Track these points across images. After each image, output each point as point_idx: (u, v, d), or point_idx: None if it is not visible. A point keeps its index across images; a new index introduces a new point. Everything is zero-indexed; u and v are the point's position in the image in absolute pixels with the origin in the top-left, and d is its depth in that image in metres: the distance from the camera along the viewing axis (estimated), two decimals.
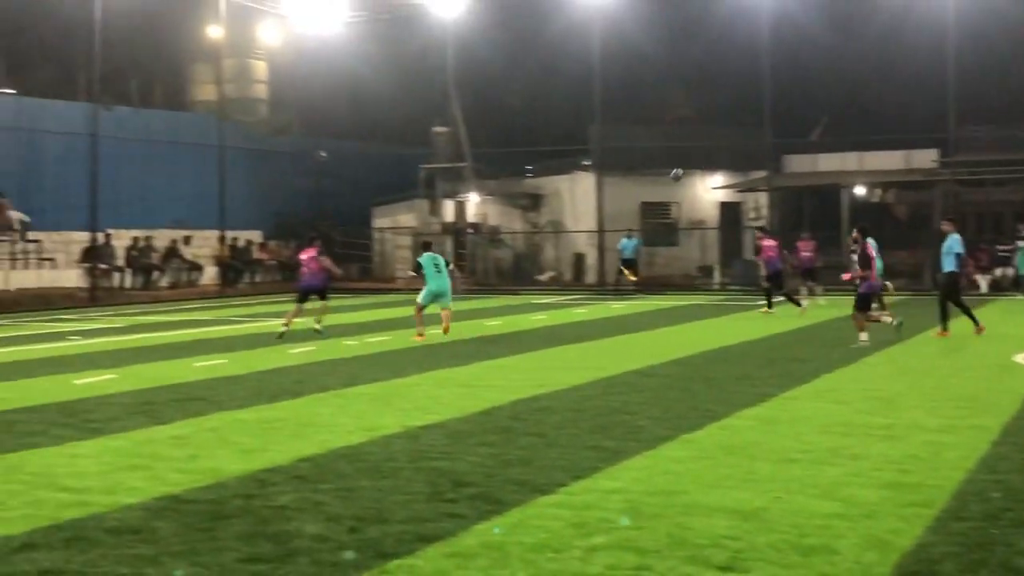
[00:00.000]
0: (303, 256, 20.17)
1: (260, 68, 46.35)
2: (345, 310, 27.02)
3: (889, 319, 17.32)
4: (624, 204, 38.66)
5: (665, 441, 9.19)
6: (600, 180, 37.30)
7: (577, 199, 40.25)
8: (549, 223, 41.22)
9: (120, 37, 35.30)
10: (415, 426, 10.04)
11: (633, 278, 33.50)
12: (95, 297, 31.23)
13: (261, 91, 46.56)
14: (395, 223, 44.03)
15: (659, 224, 40.20)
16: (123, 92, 41.48)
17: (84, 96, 37.39)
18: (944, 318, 17.99)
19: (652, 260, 38.27)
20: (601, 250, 37.11)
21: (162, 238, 36.50)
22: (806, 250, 26.76)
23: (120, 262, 34.24)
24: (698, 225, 39.68)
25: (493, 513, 6.85)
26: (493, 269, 40.00)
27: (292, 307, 20.11)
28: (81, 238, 33.61)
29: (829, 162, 38.76)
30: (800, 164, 39.32)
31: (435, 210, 42.79)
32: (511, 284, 38.05)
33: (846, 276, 17.86)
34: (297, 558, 6.01)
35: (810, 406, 11.01)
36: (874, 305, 19.04)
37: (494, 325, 22.03)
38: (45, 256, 33.22)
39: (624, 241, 34.30)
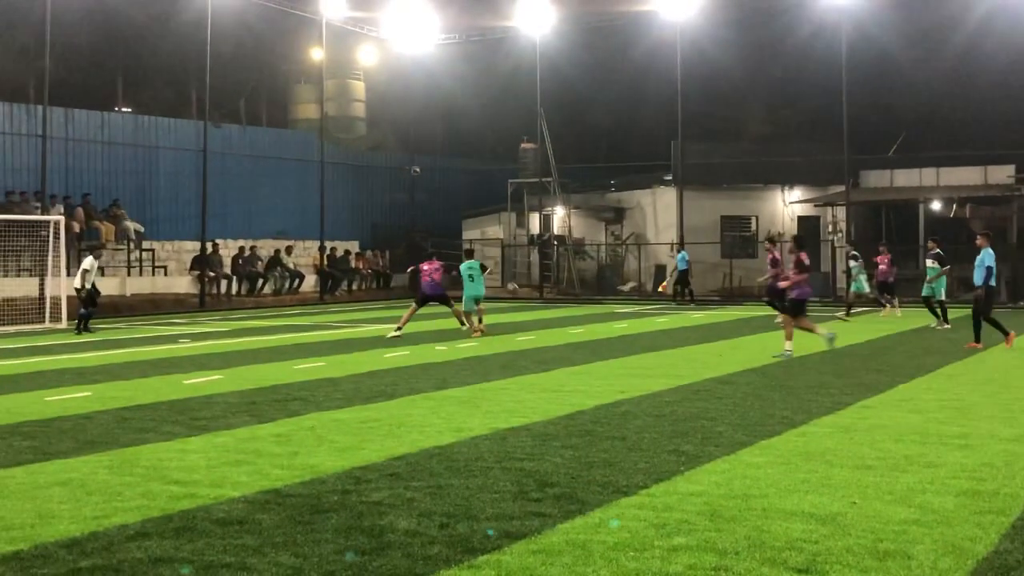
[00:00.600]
0: (424, 267, 22.26)
1: (358, 88, 48.18)
2: (435, 317, 28.44)
3: (824, 332, 17.30)
4: (704, 217, 39.72)
5: (743, 447, 9.27)
6: (681, 194, 38.39)
7: (659, 212, 41.34)
8: (632, 235, 42.32)
9: (229, 59, 37.32)
10: (502, 428, 10.26)
11: (661, 288, 34.36)
12: (203, 303, 32.87)
13: (359, 110, 48.37)
14: (483, 234, 45.64)
15: (738, 237, 41.12)
16: (232, 111, 43.51)
17: (195, 114, 39.53)
18: (977, 330, 18.44)
19: (731, 271, 39.26)
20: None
21: (266, 247, 38.28)
22: (882, 263, 27.18)
23: (227, 270, 35.87)
24: (777, 238, 40.39)
25: (576, 513, 6.97)
26: (577, 279, 41.28)
27: (406, 312, 22.36)
28: (191, 247, 35.67)
29: (906, 177, 39.24)
30: (878, 179, 39.87)
31: (522, 222, 44.32)
32: (594, 294, 39.30)
33: (782, 283, 18.37)
34: (390, 551, 6.16)
35: (886, 415, 11.04)
36: (885, 309, 19.92)
37: (577, 333, 22.70)
38: (158, 264, 35.09)
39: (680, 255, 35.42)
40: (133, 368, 16.10)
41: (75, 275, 24.39)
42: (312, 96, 45.26)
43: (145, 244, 34.83)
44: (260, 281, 36.82)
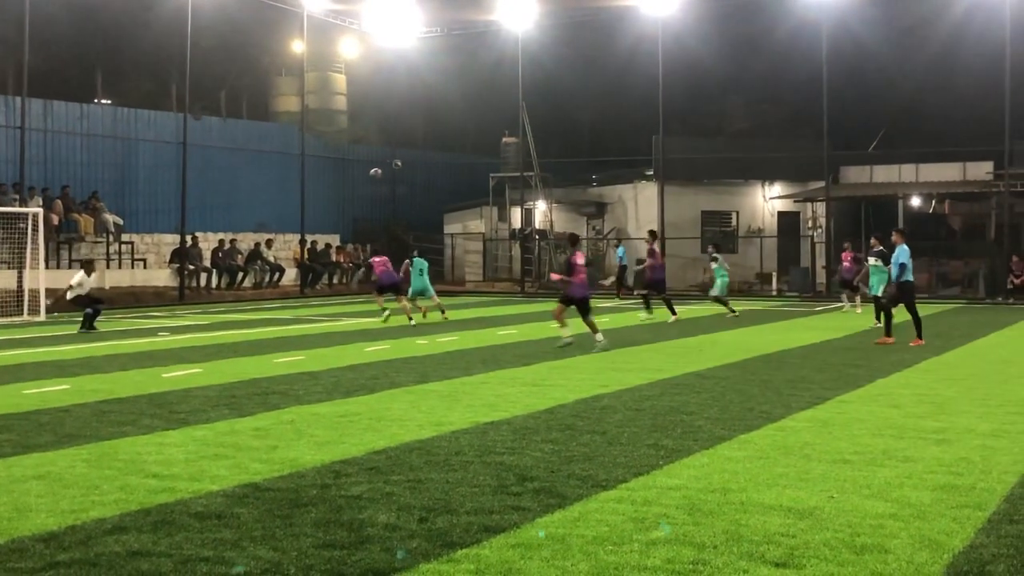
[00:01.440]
0: (376, 260, 24.85)
1: (340, 81, 48.13)
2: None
3: (565, 333, 17.51)
4: (685, 212, 39.88)
5: (722, 441, 9.33)
6: (662, 189, 38.49)
7: (640, 207, 41.48)
8: (613, 230, 42.45)
9: (210, 52, 37.20)
10: (483, 422, 10.30)
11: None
12: (183, 296, 32.81)
13: (341, 103, 48.33)
14: (465, 228, 45.67)
15: (719, 232, 41.29)
16: (212, 103, 43.42)
17: (175, 107, 39.40)
18: (888, 324, 18.73)
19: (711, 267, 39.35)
20: (663, 257, 38.21)
21: (246, 241, 38.22)
22: (846, 260, 27.66)
23: (207, 263, 35.78)
24: (757, 234, 40.68)
25: (556, 507, 7.01)
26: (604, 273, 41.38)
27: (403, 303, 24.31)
28: (171, 240, 35.56)
29: (886, 173, 39.51)
30: (858, 175, 40.12)
31: (504, 216, 44.37)
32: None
33: (554, 276, 19.03)
34: (369, 545, 6.19)
35: (864, 409, 11.13)
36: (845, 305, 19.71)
37: (559, 327, 23.09)
38: (137, 256, 34.93)
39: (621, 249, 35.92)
40: (112, 361, 16.08)
41: (53, 268, 24.28)
42: (293, 89, 45.17)
43: (124, 237, 34.68)
44: (240, 274, 36.76)
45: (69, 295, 22.73)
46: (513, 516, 6.82)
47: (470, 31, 42.32)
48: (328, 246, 40.85)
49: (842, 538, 6.34)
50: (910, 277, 18.48)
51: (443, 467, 8.32)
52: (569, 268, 17.58)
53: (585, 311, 17.71)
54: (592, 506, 7.10)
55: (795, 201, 40.41)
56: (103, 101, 40.54)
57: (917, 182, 38.65)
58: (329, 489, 7.59)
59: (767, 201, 41.42)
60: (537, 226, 42.92)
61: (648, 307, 25.38)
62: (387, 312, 24.33)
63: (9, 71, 36.57)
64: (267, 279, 37.76)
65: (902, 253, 18.31)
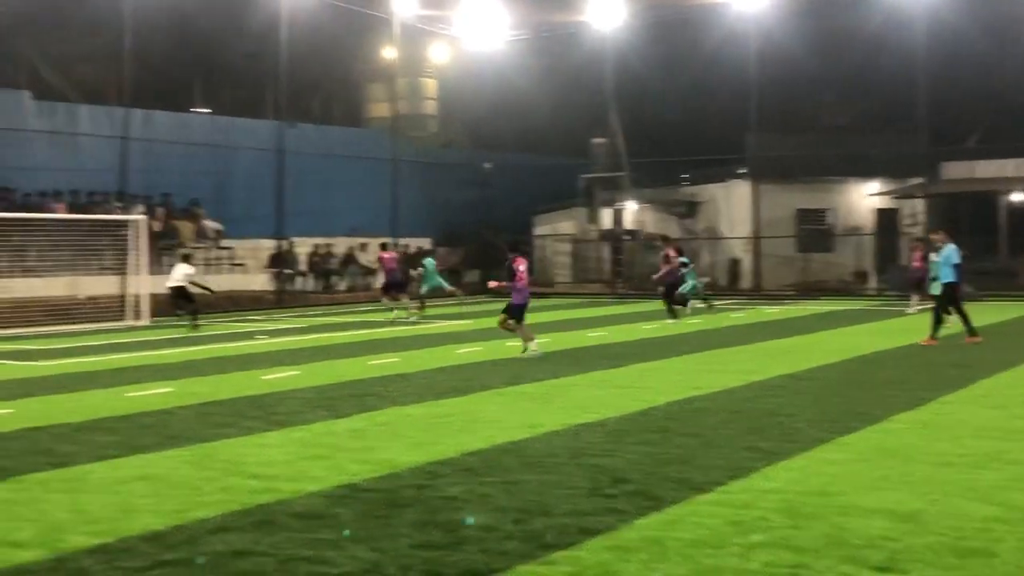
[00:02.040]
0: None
1: (430, 86, 48.48)
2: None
3: (533, 346, 17.16)
4: (779, 211, 39.30)
5: (821, 443, 9.21)
6: (755, 187, 38.01)
7: (733, 206, 41.00)
8: (705, 230, 42.06)
9: (304, 60, 37.78)
10: (575, 424, 10.31)
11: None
12: (280, 300, 33.55)
13: (431, 107, 48.66)
14: (555, 230, 45.64)
15: (814, 230, 40.60)
16: (306, 110, 44.12)
17: (271, 114, 40.15)
18: (936, 325, 18.15)
19: (807, 266, 38.78)
20: (757, 256, 37.83)
21: (340, 245, 38.87)
22: (916, 260, 26.53)
23: (303, 267, 36.57)
24: (853, 231, 39.91)
25: (652, 509, 6.97)
26: (650, 274, 41.08)
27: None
28: (268, 245, 36.20)
29: (987, 168, 38.39)
30: (957, 171, 39.02)
31: (593, 218, 44.25)
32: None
33: (492, 284, 18.96)
34: (466, 546, 6.22)
35: (967, 410, 10.95)
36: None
37: (650, 329, 22.76)
38: (236, 262, 35.62)
39: None
40: (213, 364, 16.47)
41: (156, 274, 25.01)
42: (385, 95, 45.64)
43: (223, 242, 35.42)
44: (335, 278, 37.31)
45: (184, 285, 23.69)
46: (609, 518, 6.78)
47: (558, 33, 42.33)
48: (420, 250, 41.11)
49: (946, 542, 6.21)
50: (954, 278, 18.04)
51: (537, 469, 8.31)
52: (511, 274, 17.48)
53: (520, 318, 17.36)
54: (688, 509, 7.04)
55: (893, 198, 39.52)
56: (201, 110, 41.47)
57: (1019, 177, 37.48)
58: (425, 490, 7.65)
59: (864, 198, 40.58)
60: (627, 227, 42.71)
61: (673, 314, 25.09)
62: (395, 312, 26.22)
63: (111, 83, 37.62)
64: (361, 282, 38.25)
65: (954, 253, 17.98)
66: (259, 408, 11.68)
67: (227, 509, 7.18)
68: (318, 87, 44.86)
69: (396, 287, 27.40)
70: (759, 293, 36.60)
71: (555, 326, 23.91)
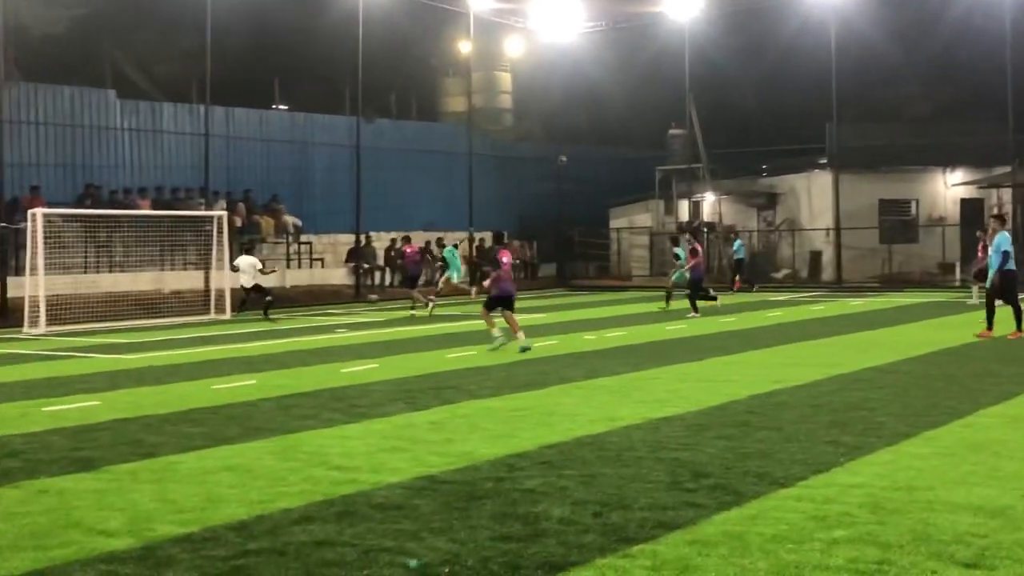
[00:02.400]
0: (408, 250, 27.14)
1: (505, 79, 48.60)
2: (584, 307, 28.52)
3: (495, 333, 17.08)
4: (861, 201, 38.65)
5: (906, 437, 9.08)
6: (837, 178, 37.45)
7: (813, 197, 40.43)
8: (785, 221, 41.56)
9: (380, 55, 38.11)
10: (654, 417, 10.26)
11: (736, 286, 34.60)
12: (359, 293, 33.96)
13: (506, 101, 48.79)
14: (631, 223, 45.45)
15: (897, 221, 39.87)
16: (383, 105, 44.54)
17: (348, 110, 40.59)
18: (990, 316, 17.77)
19: (890, 257, 38.11)
20: (838, 248, 37.28)
21: (417, 239, 39.14)
22: (980, 250, 26.19)
23: (380, 261, 37.00)
24: (938, 222, 39.10)
25: (732, 504, 6.91)
26: (729, 267, 40.76)
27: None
28: (346, 240, 36.71)
29: None
30: None
31: (670, 210, 43.97)
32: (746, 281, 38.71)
33: (486, 283, 18.62)
34: (545, 539, 6.20)
35: None
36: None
37: (729, 321, 22.57)
38: (315, 256, 36.23)
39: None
40: (294, 357, 16.70)
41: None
42: (460, 89, 45.83)
43: (303, 237, 35.93)
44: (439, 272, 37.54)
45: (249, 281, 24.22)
46: (689, 512, 6.75)
47: (634, 24, 42.11)
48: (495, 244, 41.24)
49: None
50: (1012, 265, 17.62)
51: (616, 462, 8.30)
52: (495, 265, 17.66)
53: (510, 309, 17.33)
54: (770, 504, 6.96)
55: (979, 188, 38.64)
56: (281, 107, 42.06)
57: None
58: (504, 482, 7.69)
59: (948, 188, 39.73)
60: (705, 219, 42.37)
61: (694, 307, 24.72)
62: (432, 304, 26.74)
63: (193, 81, 38.35)
64: (438, 276, 38.46)
65: (1004, 240, 17.53)
66: (340, 400, 11.82)
67: (310, 499, 7.29)
68: (394, 82, 45.17)
69: (412, 281, 28.09)
70: (841, 285, 36.04)
71: (633, 319, 23.82)
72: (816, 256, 39.82)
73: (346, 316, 26.66)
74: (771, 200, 42.12)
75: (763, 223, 42.36)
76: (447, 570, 5.73)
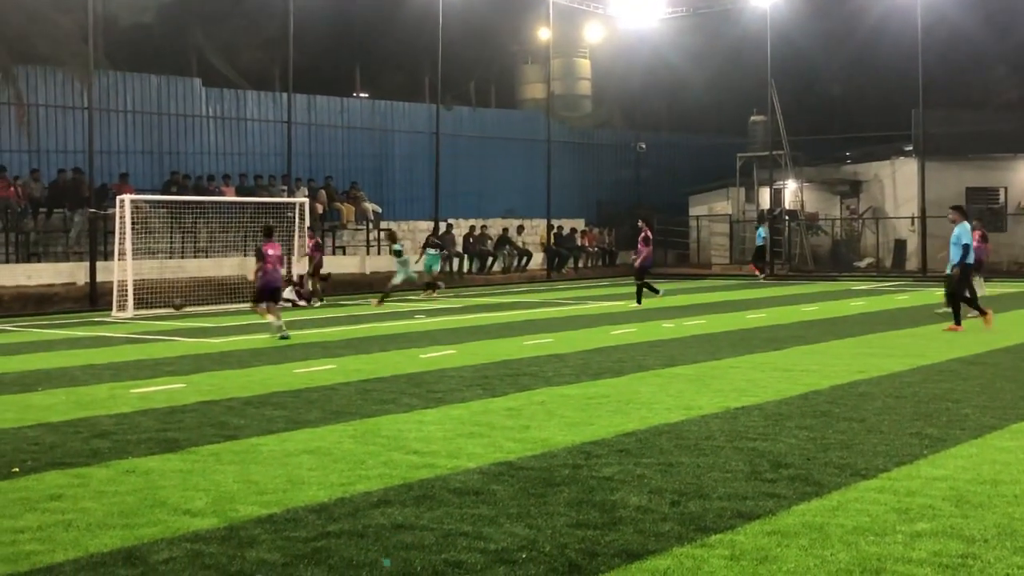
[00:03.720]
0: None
1: (584, 66, 48.40)
2: (663, 294, 28.32)
3: (273, 319, 17.47)
4: (948, 189, 37.72)
5: (992, 430, 8.94)
6: (922, 165, 36.67)
7: (898, 185, 39.64)
8: (869, 209, 40.82)
9: (459, 43, 38.24)
10: (733, 407, 10.23)
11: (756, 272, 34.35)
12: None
13: (585, 88, 48.60)
14: (711, 211, 45.01)
15: (985, 209, 38.89)
16: (462, 93, 44.64)
17: (428, 98, 40.81)
18: (956, 310, 17.51)
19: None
20: (923, 236, 36.52)
21: (495, 226, 39.30)
22: (976, 239, 25.52)
23: (459, 248, 37.22)
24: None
25: (813, 495, 6.87)
26: (810, 255, 40.20)
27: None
28: (425, 227, 36.93)
29: None
30: None
31: (751, 197, 43.46)
32: (828, 270, 38.18)
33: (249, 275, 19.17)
34: (621, 527, 6.24)
35: None
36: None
37: (811, 311, 22.29)
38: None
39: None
40: (373, 342, 16.90)
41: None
42: (539, 76, 45.77)
43: (382, 224, 36.18)
44: (490, 259, 37.76)
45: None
46: (768, 503, 6.74)
47: (716, 9, 41.64)
48: (574, 230, 41.29)
49: None
50: (972, 259, 17.36)
51: (694, 451, 8.29)
52: (260, 257, 17.88)
53: (275, 301, 17.86)
54: (851, 495, 6.90)
55: None
56: (361, 95, 42.42)
57: None
58: (581, 469, 7.71)
59: None
60: (787, 206, 41.81)
61: (641, 295, 24.53)
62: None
63: (276, 70, 38.89)
64: (515, 263, 38.62)
65: (964, 232, 17.28)
66: (417, 386, 11.94)
67: (389, 483, 7.41)
68: (473, 70, 45.27)
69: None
70: (926, 275, 35.29)
71: (713, 307, 23.64)
72: (900, 245, 39.06)
73: (424, 302, 26.83)
74: (854, 188, 41.41)
75: (846, 211, 41.66)
76: (524, 556, 5.78)
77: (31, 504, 6.95)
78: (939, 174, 36.96)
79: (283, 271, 20.83)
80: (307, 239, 26.60)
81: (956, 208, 18.40)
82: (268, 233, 18.86)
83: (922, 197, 36.32)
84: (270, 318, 17.68)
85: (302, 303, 25.46)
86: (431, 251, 29.36)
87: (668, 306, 23.96)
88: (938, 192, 36.64)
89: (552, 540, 6.03)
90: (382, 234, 33.33)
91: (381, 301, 25.47)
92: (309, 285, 26.10)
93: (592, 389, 11.57)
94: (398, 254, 26.91)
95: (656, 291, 25.34)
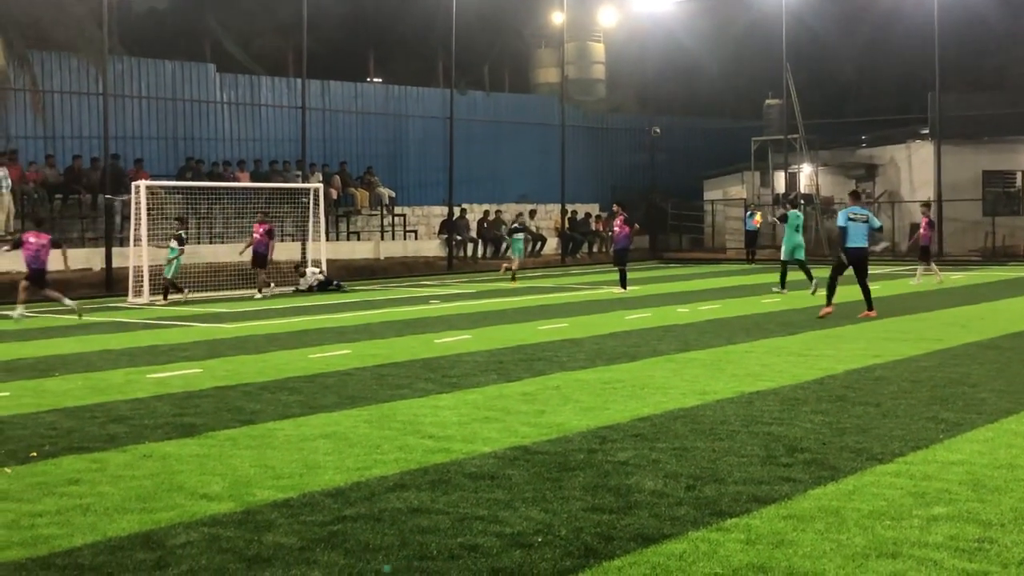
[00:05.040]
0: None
1: (598, 50, 48.20)
2: (677, 279, 28.30)
3: (70, 303, 18.78)
4: (964, 173, 37.60)
5: (1009, 414, 8.91)
6: (939, 148, 36.47)
7: (914, 168, 39.45)
8: (884, 193, 40.63)
9: (473, 28, 38.13)
10: (748, 392, 10.20)
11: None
12: (451, 265, 34.16)
13: (599, 72, 48.40)
14: (726, 195, 44.87)
15: (1002, 193, 38.68)
16: (476, 78, 44.58)
17: (442, 83, 40.75)
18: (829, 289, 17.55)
19: (993, 230, 37.01)
20: (940, 220, 36.33)
21: (509, 212, 39.22)
22: (923, 227, 26.05)
23: (472, 234, 37.23)
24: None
25: (828, 479, 6.87)
26: (826, 240, 40.02)
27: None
28: (439, 212, 37.02)
29: None
30: None
31: (766, 181, 43.31)
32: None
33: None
34: (637, 511, 6.25)
35: None
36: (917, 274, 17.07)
37: (825, 295, 22.42)
38: (408, 228, 36.50)
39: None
40: (388, 328, 16.92)
41: (333, 240, 25.85)
42: (553, 60, 45.65)
43: (397, 210, 36.25)
44: (504, 244, 37.72)
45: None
46: (784, 487, 6.75)
47: None
48: (588, 215, 41.23)
49: None
50: (853, 243, 17.09)
51: (709, 436, 8.28)
52: (19, 244, 18.87)
53: (39, 286, 18.79)
54: (867, 479, 6.90)
55: None
56: (375, 80, 42.40)
57: None
58: (596, 454, 7.73)
59: None
60: (802, 190, 41.64)
61: (625, 280, 24.23)
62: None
63: (290, 55, 38.90)
64: (530, 249, 38.61)
65: (841, 217, 17.26)
66: (433, 370, 11.96)
67: (405, 468, 7.43)
68: (487, 54, 45.16)
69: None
70: (942, 259, 35.11)
71: (728, 292, 23.59)
72: (916, 229, 38.81)
73: (439, 287, 26.87)
74: (870, 171, 41.22)
75: (862, 195, 41.43)
76: (540, 539, 5.79)
77: (49, 488, 7.00)
78: (955, 157, 36.78)
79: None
80: (256, 225, 24.85)
81: (852, 193, 18.88)
82: (39, 223, 19.55)
83: (938, 180, 36.13)
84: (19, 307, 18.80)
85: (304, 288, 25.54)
86: (516, 236, 29.61)
87: (682, 291, 23.91)
88: (954, 175, 36.50)
89: (568, 524, 6.05)
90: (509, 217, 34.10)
91: (514, 278, 27.83)
92: (264, 276, 24.75)
93: (607, 374, 11.57)
94: (515, 232, 29.12)
95: (624, 286, 24.02)
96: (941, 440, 8.00)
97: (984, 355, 12.59)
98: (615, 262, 24.91)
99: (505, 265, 29.65)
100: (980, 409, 9.19)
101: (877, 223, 17.65)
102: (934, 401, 9.60)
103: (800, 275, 22.62)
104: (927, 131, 38.77)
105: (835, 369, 11.61)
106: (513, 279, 27.98)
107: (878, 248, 37.71)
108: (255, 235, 24.71)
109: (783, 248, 23.27)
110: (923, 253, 26.08)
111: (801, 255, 22.54)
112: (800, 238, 22.85)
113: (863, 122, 43.42)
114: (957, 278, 27.07)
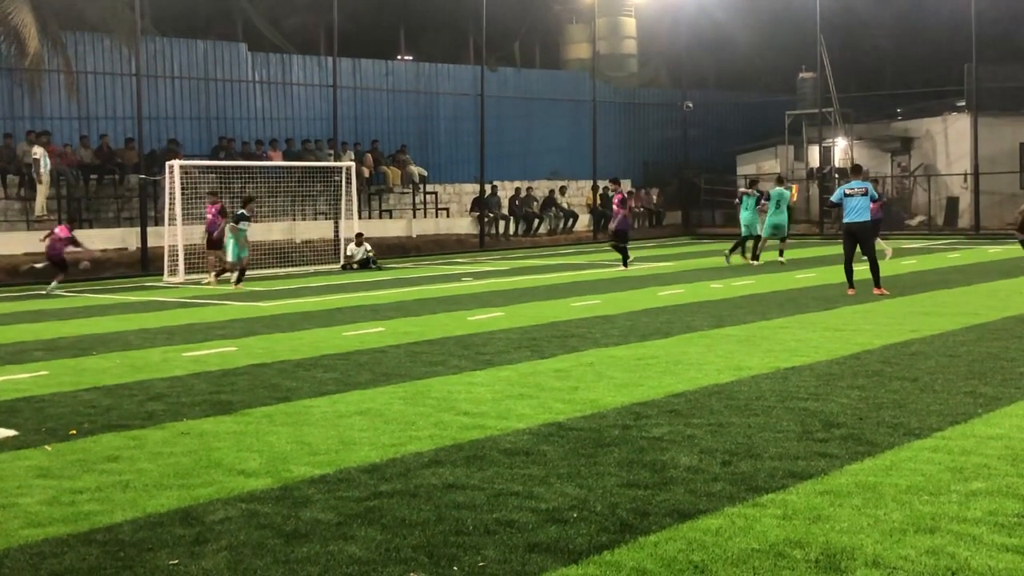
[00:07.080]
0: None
1: (629, 25, 47.86)
2: (710, 255, 28.15)
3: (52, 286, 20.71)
4: (1001, 145, 37.09)
5: None
6: (975, 121, 35.99)
7: (950, 141, 38.94)
8: (920, 167, 40.18)
9: (504, 3, 37.92)
10: (783, 367, 10.14)
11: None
12: (483, 243, 34.25)
13: (630, 47, 48.09)
14: (759, 170, 44.48)
15: None
16: (506, 54, 44.43)
17: (472, 59, 40.64)
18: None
19: None
20: (976, 194, 35.93)
21: (541, 188, 39.22)
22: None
23: (504, 211, 37.20)
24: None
25: (865, 454, 6.83)
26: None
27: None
28: (471, 189, 37.01)
29: None
30: None
31: (800, 155, 42.94)
32: (880, 229, 37.63)
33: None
34: (672, 487, 6.25)
35: None
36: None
37: (861, 270, 22.19)
38: (440, 206, 36.53)
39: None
40: (422, 305, 16.99)
41: (365, 219, 25.90)
42: (584, 35, 45.39)
43: (428, 187, 36.27)
44: (536, 221, 37.73)
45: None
46: (820, 463, 6.72)
47: None
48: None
49: None
50: (849, 218, 17.07)
51: (744, 411, 8.28)
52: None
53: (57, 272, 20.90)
54: (905, 455, 6.88)
55: None
56: (406, 57, 42.34)
57: None
58: (630, 430, 7.73)
59: None
60: (837, 164, 41.25)
61: (626, 258, 24.05)
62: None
63: (321, 33, 38.91)
64: (561, 225, 38.56)
65: (837, 192, 17.52)
66: (466, 348, 12.01)
67: (439, 444, 7.47)
68: (518, 31, 44.95)
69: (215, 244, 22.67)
70: (979, 232, 34.77)
71: (760, 268, 23.44)
72: (953, 202, 38.45)
73: (471, 265, 26.90)
74: (906, 145, 40.73)
75: (897, 168, 41.04)
76: (575, 515, 5.80)
77: (89, 465, 7.09)
78: (992, 130, 36.27)
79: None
80: (208, 206, 22.97)
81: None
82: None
83: (975, 154, 35.68)
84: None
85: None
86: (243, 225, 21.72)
87: (715, 267, 23.79)
88: (991, 148, 36.03)
89: (603, 500, 6.05)
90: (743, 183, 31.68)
91: (756, 257, 24.69)
92: (216, 260, 22.56)
93: (640, 350, 11.54)
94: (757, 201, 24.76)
95: (625, 264, 23.92)
96: (979, 415, 7.92)
97: (1022, 329, 12.48)
98: (615, 240, 24.32)
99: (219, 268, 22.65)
100: (1019, 384, 9.09)
101: (875, 194, 17.52)
102: (972, 376, 9.51)
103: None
104: (963, 103, 38.26)
105: (871, 344, 11.52)
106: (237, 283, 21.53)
107: (914, 222, 37.48)
108: (208, 215, 22.72)
109: (765, 223, 24.57)
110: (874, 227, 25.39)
111: (783, 233, 24.37)
112: (783, 216, 24.32)
113: (898, 95, 42.91)
114: (994, 252, 26.78)
